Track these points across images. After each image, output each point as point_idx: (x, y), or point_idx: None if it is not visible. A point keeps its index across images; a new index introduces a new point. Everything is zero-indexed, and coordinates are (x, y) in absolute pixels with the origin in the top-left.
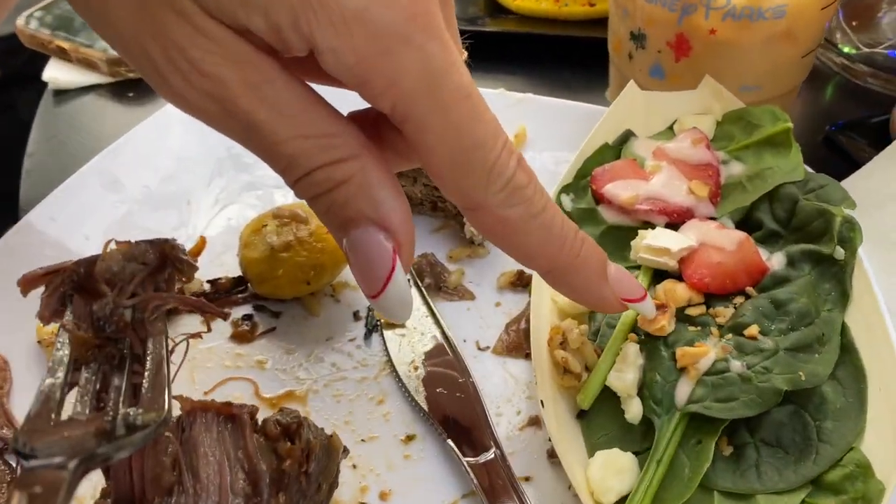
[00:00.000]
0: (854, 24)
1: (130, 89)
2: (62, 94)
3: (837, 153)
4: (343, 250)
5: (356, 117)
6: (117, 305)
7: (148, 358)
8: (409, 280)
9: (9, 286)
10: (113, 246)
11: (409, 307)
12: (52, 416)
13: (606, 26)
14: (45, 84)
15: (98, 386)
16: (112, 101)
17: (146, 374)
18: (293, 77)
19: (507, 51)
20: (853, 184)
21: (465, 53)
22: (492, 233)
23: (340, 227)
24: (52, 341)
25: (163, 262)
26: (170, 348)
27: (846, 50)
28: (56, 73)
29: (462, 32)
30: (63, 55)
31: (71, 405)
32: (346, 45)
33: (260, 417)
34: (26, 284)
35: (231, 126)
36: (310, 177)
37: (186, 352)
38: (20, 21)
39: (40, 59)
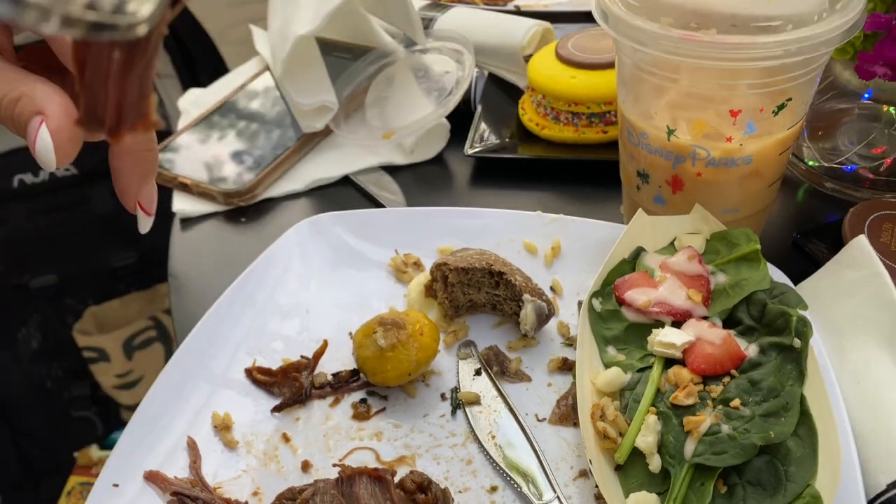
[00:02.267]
0: (819, 133)
1: (242, 215)
2: (188, 221)
3: (803, 255)
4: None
5: (31, 67)
6: None
7: None
8: (478, 370)
9: (195, 379)
10: None
11: (53, 158)
12: None
13: (617, 149)
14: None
15: None
16: (228, 224)
17: None
18: None
19: (539, 171)
20: (813, 283)
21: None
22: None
23: (21, 127)
24: (229, 429)
25: None
26: None
27: (810, 163)
28: (182, 205)
29: (499, 161)
30: (185, 189)
31: None
32: None
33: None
34: None
35: None
36: (2, 101)
37: None
38: None
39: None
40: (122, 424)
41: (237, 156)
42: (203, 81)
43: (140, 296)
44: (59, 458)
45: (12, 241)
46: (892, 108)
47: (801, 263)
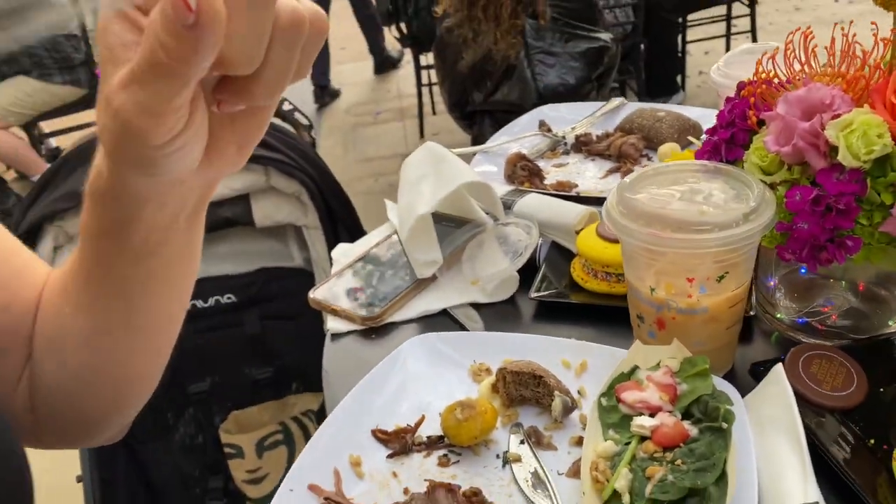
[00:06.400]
0: (795, 295)
1: (373, 333)
2: (336, 336)
3: (757, 379)
4: None
5: None
6: None
7: None
8: (522, 440)
9: (341, 434)
10: None
11: None
12: None
13: None
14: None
15: None
16: (363, 339)
17: None
18: None
19: (583, 312)
20: (752, 394)
21: None
22: None
23: None
24: None
25: None
26: None
27: (778, 316)
28: (334, 325)
29: (555, 304)
30: (335, 313)
31: None
32: None
33: None
34: None
35: None
36: None
37: None
38: (312, 294)
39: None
40: None
41: (372, 292)
42: (340, 232)
43: (273, 404)
44: None
45: (179, 353)
46: (838, 281)
47: (754, 384)
